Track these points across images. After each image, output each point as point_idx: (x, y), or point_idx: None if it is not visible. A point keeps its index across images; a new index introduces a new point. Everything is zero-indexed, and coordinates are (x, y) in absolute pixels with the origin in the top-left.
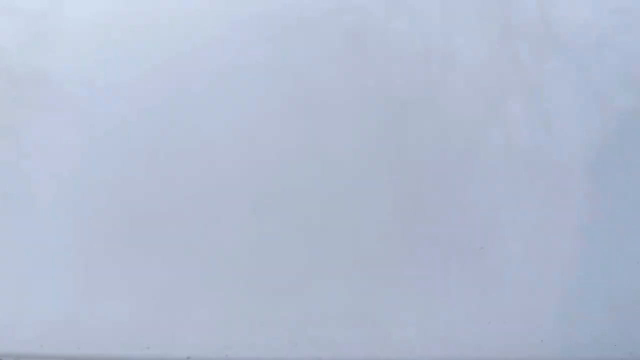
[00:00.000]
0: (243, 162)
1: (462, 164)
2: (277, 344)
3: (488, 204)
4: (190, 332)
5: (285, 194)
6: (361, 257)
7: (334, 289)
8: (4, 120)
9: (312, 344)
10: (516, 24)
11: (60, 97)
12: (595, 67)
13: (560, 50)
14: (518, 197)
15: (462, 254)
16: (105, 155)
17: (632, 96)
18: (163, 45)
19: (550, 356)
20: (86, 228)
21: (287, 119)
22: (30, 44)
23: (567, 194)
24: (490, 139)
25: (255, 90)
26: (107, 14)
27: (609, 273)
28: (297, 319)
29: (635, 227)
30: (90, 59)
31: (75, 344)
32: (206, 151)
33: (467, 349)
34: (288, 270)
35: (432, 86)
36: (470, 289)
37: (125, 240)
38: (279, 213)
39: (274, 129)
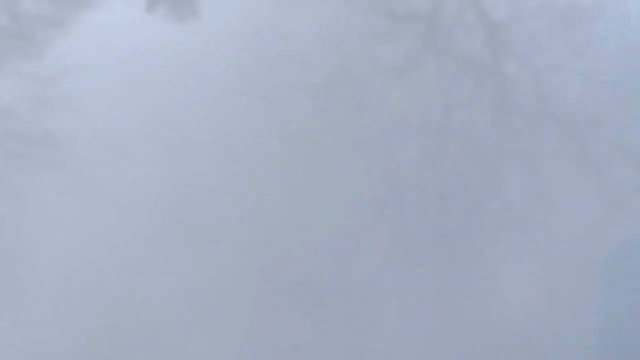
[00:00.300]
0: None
1: (462, 235)
2: None
3: (488, 282)
4: None
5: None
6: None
7: None
8: (10, 180)
9: None
10: (512, 97)
11: (68, 158)
12: (590, 139)
13: (556, 123)
14: (518, 275)
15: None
16: (111, 223)
17: (629, 167)
18: (169, 111)
19: None
20: (89, 297)
21: (288, 187)
22: (39, 107)
23: (570, 272)
24: (488, 210)
25: (257, 156)
26: (115, 79)
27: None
28: None
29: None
30: (97, 122)
31: None
32: (214, 218)
33: None
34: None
35: (431, 156)
36: None
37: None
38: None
39: (276, 197)
